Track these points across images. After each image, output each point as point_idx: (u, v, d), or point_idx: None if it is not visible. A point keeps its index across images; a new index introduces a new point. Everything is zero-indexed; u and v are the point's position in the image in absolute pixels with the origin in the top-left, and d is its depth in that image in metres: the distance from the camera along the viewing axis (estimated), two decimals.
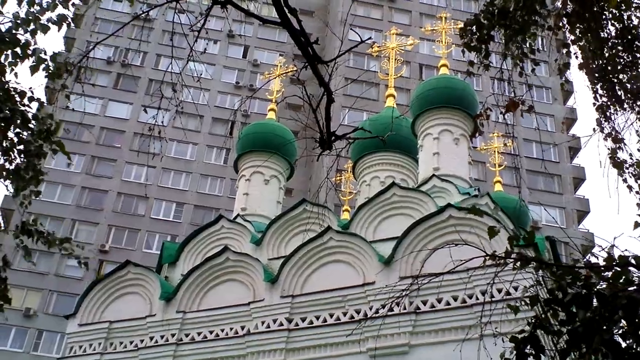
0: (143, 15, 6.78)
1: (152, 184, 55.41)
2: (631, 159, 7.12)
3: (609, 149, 7.08)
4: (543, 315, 4.65)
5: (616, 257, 4.64)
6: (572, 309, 4.55)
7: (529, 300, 4.81)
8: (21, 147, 6.41)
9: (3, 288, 6.54)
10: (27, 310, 48.62)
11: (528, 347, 4.59)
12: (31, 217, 7.07)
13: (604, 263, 4.65)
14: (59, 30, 6.50)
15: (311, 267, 15.41)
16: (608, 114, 7.33)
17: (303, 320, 14.91)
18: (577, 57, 7.29)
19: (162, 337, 15.86)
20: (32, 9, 6.26)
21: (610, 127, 7.25)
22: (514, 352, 4.61)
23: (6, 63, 6.28)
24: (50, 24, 6.31)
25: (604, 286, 4.52)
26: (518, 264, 4.95)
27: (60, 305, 48.00)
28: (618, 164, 7.02)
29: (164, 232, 53.24)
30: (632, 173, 7.02)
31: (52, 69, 6.40)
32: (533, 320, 4.69)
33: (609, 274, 4.57)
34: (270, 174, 20.75)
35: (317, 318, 14.80)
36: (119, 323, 16.41)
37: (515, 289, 12.15)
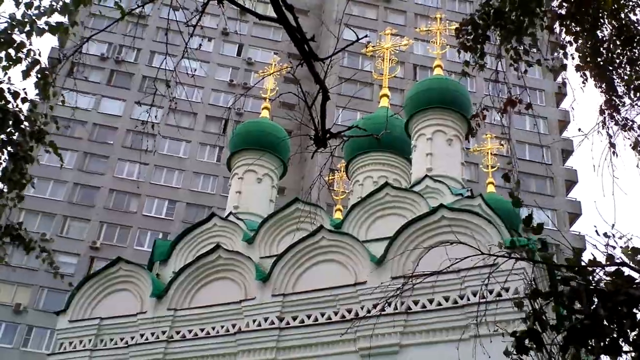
0: (137, 10, 6.74)
1: (144, 181, 55.22)
2: None
3: (611, 141, 7.10)
4: (542, 308, 4.67)
5: (615, 253, 4.67)
6: (570, 304, 4.57)
7: (530, 295, 4.82)
8: (10, 148, 6.35)
9: None
10: (17, 306, 48.44)
11: (527, 340, 4.62)
12: (19, 218, 6.99)
13: (606, 261, 4.67)
14: (55, 35, 6.45)
15: (303, 266, 15.40)
16: (615, 105, 7.35)
17: (294, 319, 14.91)
18: (573, 57, 7.29)
19: (152, 334, 15.82)
20: (29, 12, 6.22)
21: (621, 118, 7.28)
22: (515, 345, 4.64)
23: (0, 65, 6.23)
24: (46, 28, 6.26)
25: (605, 283, 4.54)
26: (515, 261, 4.96)
27: (50, 301, 47.79)
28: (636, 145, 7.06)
29: (156, 230, 53.13)
30: None
31: (45, 66, 6.36)
32: (531, 314, 4.71)
33: (612, 269, 4.60)
34: (263, 172, 20.71)
35: (309, 317, 14.79)
36: (109, 320, 16.37)
37: (507, 290, 12.20)
